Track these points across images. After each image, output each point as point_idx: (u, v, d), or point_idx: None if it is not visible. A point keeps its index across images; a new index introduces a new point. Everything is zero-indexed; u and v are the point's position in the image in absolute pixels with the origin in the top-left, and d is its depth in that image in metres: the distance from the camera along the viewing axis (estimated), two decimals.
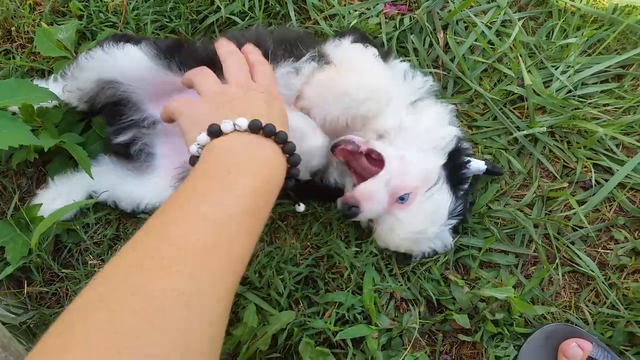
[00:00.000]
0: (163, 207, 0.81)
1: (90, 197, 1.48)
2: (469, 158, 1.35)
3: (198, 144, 0.92)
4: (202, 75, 1.09)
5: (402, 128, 1.30)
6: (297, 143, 1.01)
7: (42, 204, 1.45)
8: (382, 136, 1.30)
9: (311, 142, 1.23)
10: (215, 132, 0.91)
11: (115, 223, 1.50)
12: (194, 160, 0.94)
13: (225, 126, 0.91)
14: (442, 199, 1.29)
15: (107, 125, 1.49)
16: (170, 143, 1.46)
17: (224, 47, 1.18)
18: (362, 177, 1.29)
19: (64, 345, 0.61)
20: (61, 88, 1.44)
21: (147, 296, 0.66)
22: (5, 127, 1.29)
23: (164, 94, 1.41)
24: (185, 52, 1.34)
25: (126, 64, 1.34)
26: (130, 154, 1.46)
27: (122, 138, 1.45)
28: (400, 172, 1.26)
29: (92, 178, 1.41)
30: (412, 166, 1.27)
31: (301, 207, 1.22)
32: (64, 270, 1.44)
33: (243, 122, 0.91)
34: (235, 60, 1.13)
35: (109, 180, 1.46)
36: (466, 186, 1.36)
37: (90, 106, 1.48)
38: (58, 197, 1.47)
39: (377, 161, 1.28)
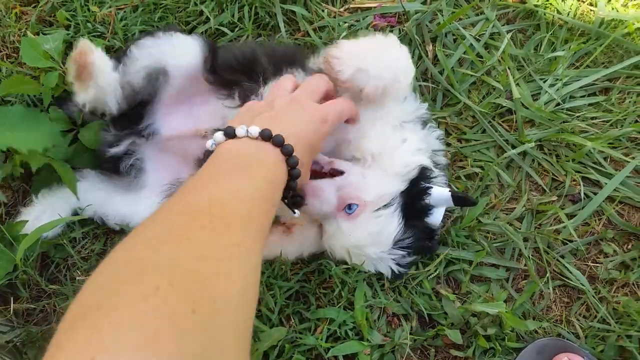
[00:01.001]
0: (188, 185, 0.86)
1: (76, 213, 1.42)
2: (429, 185, 1.27)
3: (213, 141, 0.99)
4: (272, 88, 1.20)
5: (381, 153, 1.26)
6: None
7: (26, 220, 1.39)
8: (359, 160, 1.28)
9: None
10: (229, 134, 0.97)
11: (103, 238, 1.45)
12: (207, 154, 0.99)
13: (239, 131, 0.96)
14: (389, 224, 1.23)
15: (107, 131, 1.44)
16: (162, 160, 1.42)
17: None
18: None
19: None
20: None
21: (213, 249, 0.71)
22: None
23: (180, 102, 1.41)
24: (221, 52, 1.40)
25: (179, 52, 1.36)
26: (119, 170, 1.41)
27: (117, 149, 1.41)
28: (356, 184, 1.23)
29: (78, 199, 1.37)
30: (369, 183, 1.24)
31: (297, 213, 1.18)
32: (51, 286, 1.39)
33: (255, 130, 0.96)
34: (287, 81, 1.19)
35: (95, 197, 1.41)
36: (434, 218, 1.30)
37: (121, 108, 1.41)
38: (42, 214, 1.41)
39: None
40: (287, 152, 0.97)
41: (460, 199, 1.27)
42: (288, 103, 1.08)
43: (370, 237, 1.23)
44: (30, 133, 1.28)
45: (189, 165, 1.39)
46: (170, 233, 0.72)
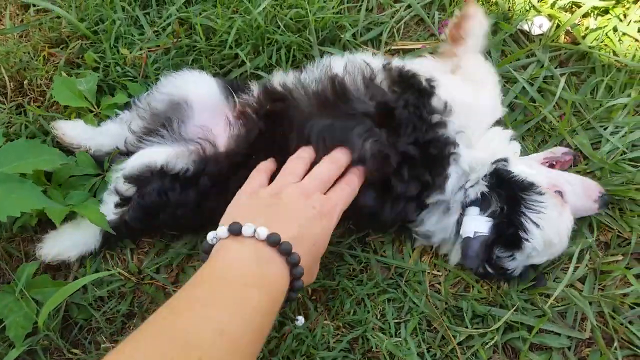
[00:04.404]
0: (183, 304, 0.81)
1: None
2: None
3: (215, 236, 0.92)
4: (257, 172, 1.12)
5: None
6: None
7: (38, 263, 1.29)
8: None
9: None
10: (235, 230, 0.90)
11: (130, 296, 1.29)
12: (207, 248, 0.94)
13: (246, 230, 0.89)
14: None
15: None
16: None
17: (301, 150, 1.14)
18: None
19: None
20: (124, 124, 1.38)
21: None
22: (13, 191, 1.10)
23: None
24: (240, 89, 1.34)
25: (198, 86, 1.33)
26: None
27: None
28: None
29: (114, 233, 1.25)
30: None
31: (300, 321, 1.18)
32: (74, 350, 1.23)
33: (263, 232, 0.89)
34: (299, 163, 1.10)
35: None
36: None
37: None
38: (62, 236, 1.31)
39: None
40: (294, 262, 0.91)
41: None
42: (297, 196, 1.00)
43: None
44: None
45: None
46: None
